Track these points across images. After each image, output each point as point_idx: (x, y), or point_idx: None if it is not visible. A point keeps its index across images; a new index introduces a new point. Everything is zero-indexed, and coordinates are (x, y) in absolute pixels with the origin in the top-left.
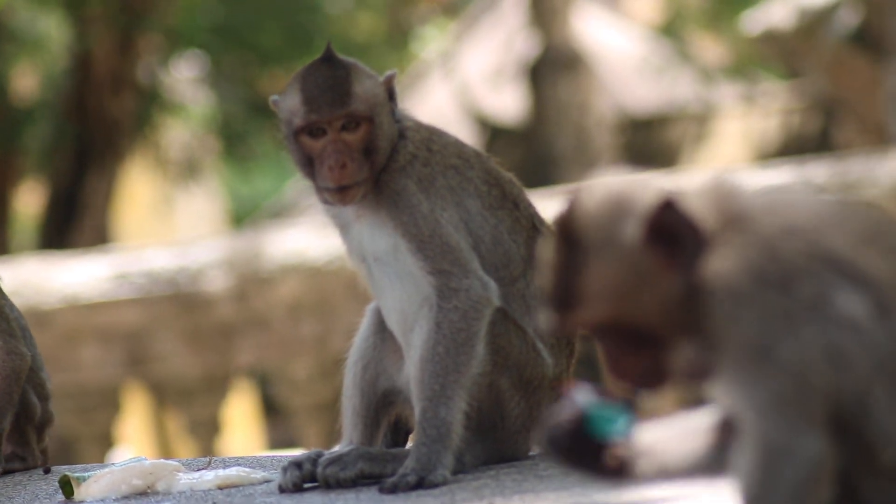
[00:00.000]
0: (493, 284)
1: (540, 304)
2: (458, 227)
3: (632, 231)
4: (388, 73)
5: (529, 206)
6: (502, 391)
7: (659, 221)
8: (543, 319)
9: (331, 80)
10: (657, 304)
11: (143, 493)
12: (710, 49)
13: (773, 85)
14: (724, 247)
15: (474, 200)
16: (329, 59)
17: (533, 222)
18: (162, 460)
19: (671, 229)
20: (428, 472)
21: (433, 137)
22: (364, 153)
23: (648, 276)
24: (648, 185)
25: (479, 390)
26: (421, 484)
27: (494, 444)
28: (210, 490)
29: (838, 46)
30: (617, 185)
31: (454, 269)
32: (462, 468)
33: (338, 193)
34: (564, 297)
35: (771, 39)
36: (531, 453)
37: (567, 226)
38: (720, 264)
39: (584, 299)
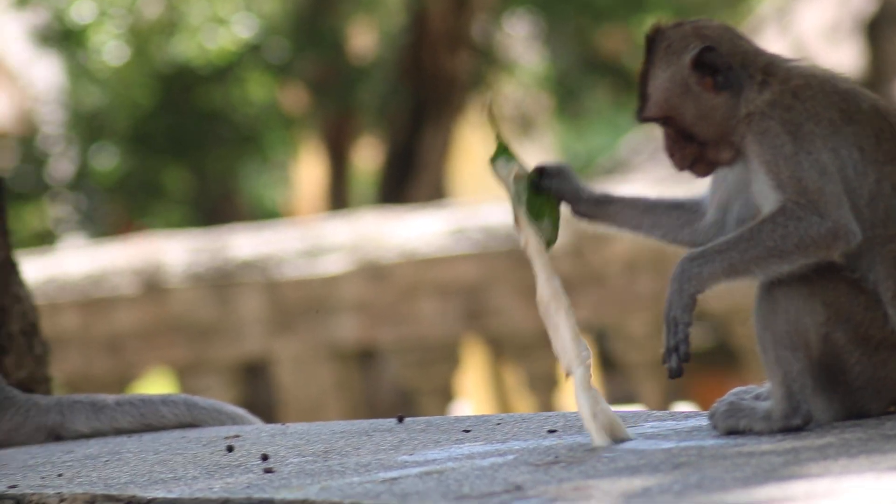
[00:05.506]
0: (853, 236)
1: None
2: (827, 172)
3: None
4: (697, 49)
5: None
6: (838, 346)
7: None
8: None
9: (638, 82)
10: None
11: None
12: None
13: None
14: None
15: (853, 152)
16: (646, 51)
17: None
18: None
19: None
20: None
21: (809, 85)
22: (686, 139)
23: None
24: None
25: (812, 341)
26: None
27: (838, 401)
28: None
29: None
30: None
31: (807, 205)
32: (810, 424)
33: (689, 172)
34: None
35: None
36: (881, 414)
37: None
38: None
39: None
